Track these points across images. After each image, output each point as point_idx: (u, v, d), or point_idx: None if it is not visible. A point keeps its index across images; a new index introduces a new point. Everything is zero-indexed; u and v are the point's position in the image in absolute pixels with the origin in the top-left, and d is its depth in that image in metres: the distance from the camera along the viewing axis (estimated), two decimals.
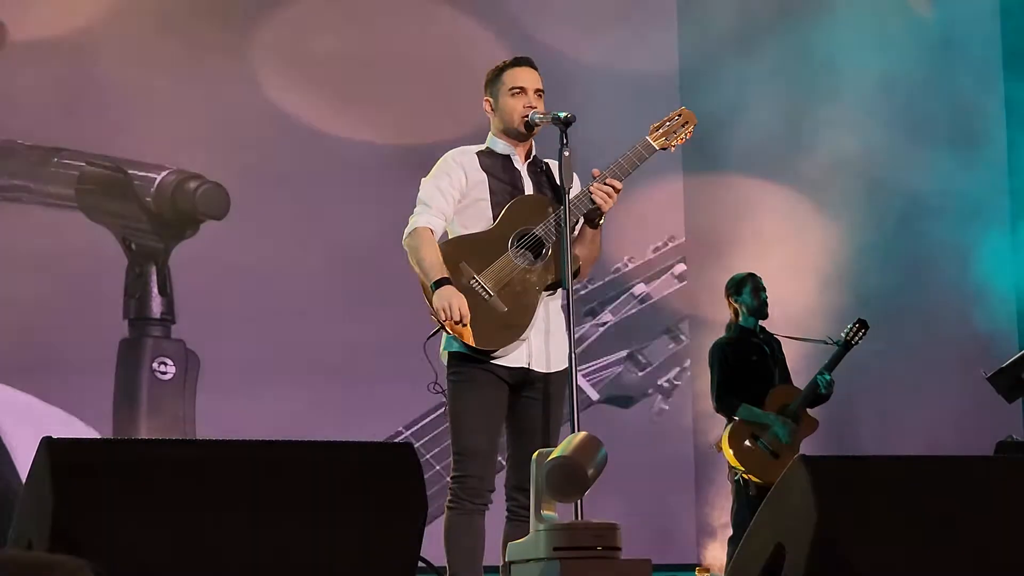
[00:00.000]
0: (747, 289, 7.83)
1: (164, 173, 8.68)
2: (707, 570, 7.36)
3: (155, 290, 8.67)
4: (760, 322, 7.84)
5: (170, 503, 4.00)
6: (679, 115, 5.38)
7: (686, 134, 5.35)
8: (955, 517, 4.25)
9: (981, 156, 9.50)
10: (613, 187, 5.12)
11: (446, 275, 5.04)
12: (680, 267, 9.59)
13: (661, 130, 5.33)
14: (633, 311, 9.44)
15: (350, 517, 4.17)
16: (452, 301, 4.99)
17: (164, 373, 8.63)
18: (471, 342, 5.03)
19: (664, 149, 5.32)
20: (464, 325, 4.99)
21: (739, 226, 9.48)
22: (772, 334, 7.90)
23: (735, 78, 9.47)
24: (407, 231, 5.17)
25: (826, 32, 9.60)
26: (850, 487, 4.26)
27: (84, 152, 8.60)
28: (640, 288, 9.49)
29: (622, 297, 9.42)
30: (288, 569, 4.11)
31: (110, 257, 8.61)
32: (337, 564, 4.13)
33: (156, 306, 8.67)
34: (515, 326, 5.05)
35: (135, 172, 8.67)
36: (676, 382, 9.43)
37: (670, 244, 9.61)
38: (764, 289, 7.85)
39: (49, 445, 3.92)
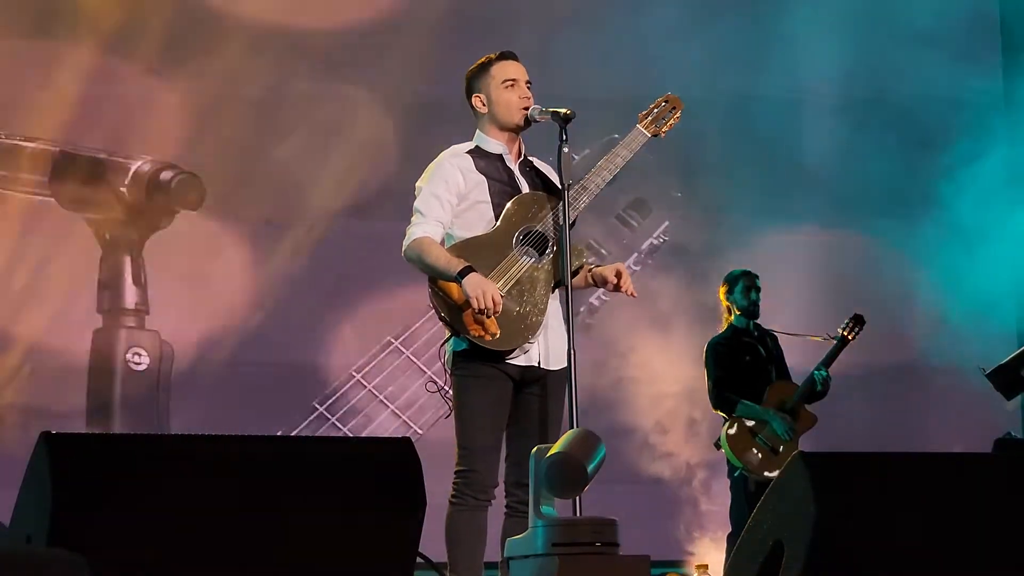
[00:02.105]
0: (738, 287, 7.80)
1: (139, 163, 8.62)
2: (705, 567, 7.36)
3: (129, 280, 8.60)
4: (755, 320, 7.84)
5: (169, 498, 3.97)
6: (665, 101, 5.40)
7: (674, 119, 5.37)
8: (954, 514, 4.27)
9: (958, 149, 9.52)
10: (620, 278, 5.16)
11: (468, 264, 5.00)
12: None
13: (649, 117, 5.35)
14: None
15: (348, 513, 4.15)
16: (486, 288, 4.93)
17: (138, 364, 8.57)
18: (496, 331, 5.00)
19: (655, 136, 5.34)
20: (495, 315, 4.95)
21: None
22: (767, 331, 7.90)
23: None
24: (406, 242, 5.13)
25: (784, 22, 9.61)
26: (849, 484, 4.28)
27: (59, 141, 8.52)
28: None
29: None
30: (287, 564, 4.09)
31: (84, 247, 8.54)
32: (336, 560, 4.11)
33: (130, 296, 8.60)
34: (530, 323, 5.04)
35: (110, 160, 8.60)
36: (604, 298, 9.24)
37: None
38: (757, 288, 7.81)
39: (48, 440, 3.89)
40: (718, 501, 8.55)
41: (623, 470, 8.38)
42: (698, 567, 7.42)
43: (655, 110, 5.36)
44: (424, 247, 5.08)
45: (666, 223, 9.45)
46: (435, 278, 5.08)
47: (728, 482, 7.69)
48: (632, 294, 5.22)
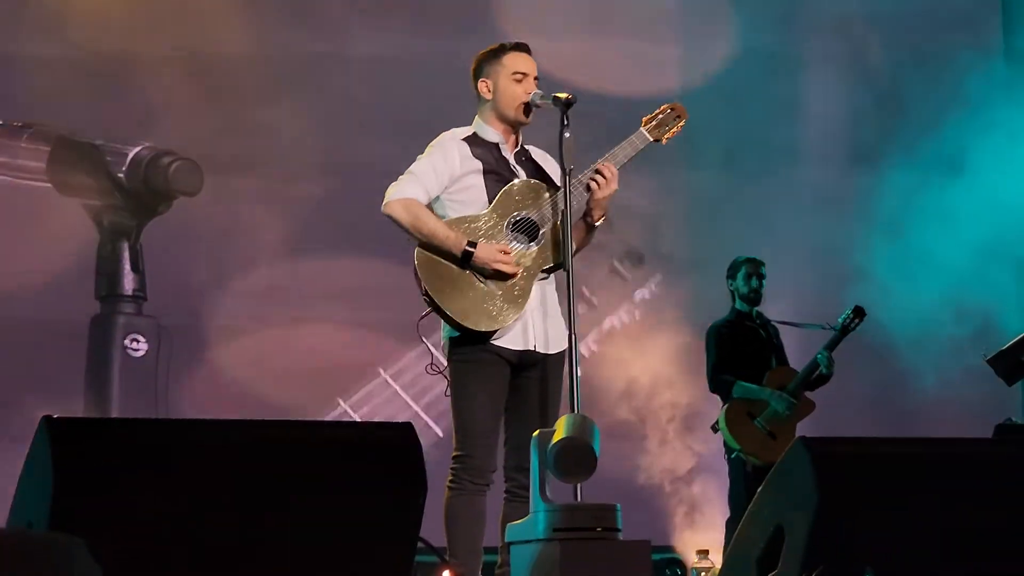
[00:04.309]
0: (740, 274, 7.81)
1: (137, 148, 8.60)
2: (706, 552, 7.36)
3: (127, 267, 8.58)
4: (758, 307, 7.83)
5: (170, 483, 3.97)
6: (671, 109, 5.43)
7: (677, 128, 5.38)
8: (955, 499, 4.27)
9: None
10: (603, 173, 5.13)
11: (469, 237, 5.05)
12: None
13: (653, 122, 5.37)
14: None
15: (349, 497, 4.15)
16: (502, 255, 5.04)
17: (136, 350, 8.56)
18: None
19: (656, 141, 5.35)
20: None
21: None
22: (769, 320, 7.89)
23: None
24: (395, 195, 5.10)
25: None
26: (850, 469, 4.28)
27: (56, 126, 8.50)
28: None
29: None
30: (287, 548, 4.08)
31: (81, 233, 8.52)
32: (337, 544, 4.11)
33: (128, 283, 8.59)
34: (509, 309, 5.07)
35: (107, 147, 8.59)
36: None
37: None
38: (760, 276, 7.80)
39: (49, 424, 3.88)
40: (705, 492, 8.57)
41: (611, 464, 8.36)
42: (698, 552, 7.42)
43: (660, 116, 5.39)
44: (419, 211, 5.09)
45: (659, 276, 9.40)
46: (430, 247, 5.07)
47: (726, 465, 7.70)
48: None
